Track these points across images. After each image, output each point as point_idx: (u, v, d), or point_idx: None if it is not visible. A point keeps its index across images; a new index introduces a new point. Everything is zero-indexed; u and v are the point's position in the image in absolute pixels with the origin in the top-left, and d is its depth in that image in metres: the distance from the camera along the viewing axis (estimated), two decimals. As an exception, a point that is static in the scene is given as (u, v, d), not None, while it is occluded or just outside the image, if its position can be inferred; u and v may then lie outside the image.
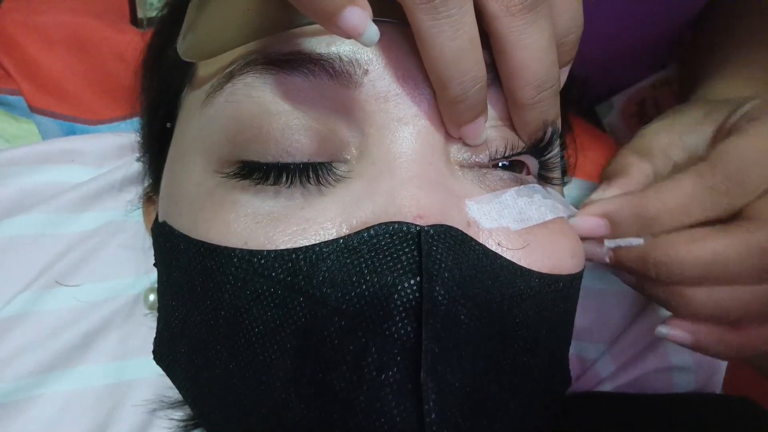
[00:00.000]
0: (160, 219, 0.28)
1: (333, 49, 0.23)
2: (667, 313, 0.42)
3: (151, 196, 0.37)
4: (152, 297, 0.36)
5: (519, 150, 0.26)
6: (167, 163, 0.29)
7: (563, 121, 0.35)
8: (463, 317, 0.21)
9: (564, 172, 0.36)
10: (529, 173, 0.28)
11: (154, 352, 0.29)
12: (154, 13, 0.44)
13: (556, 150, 0.28)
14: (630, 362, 0.43)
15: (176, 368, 0.27)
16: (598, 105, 0.59)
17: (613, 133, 0.59)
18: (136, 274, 0.40)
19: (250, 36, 0.23)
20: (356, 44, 0.23)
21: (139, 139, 0.36)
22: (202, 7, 0.25)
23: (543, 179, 0.28)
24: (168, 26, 0.32)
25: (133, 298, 0.40)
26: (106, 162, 0.42)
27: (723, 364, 0.44)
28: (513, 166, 0.27)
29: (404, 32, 0.23)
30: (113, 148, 0.43)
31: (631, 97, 0.58)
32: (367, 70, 0.23)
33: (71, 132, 0.43)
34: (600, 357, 0.44)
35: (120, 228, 0.41)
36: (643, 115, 0.57)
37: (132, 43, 0.44)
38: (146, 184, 0.38)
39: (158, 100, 0.31)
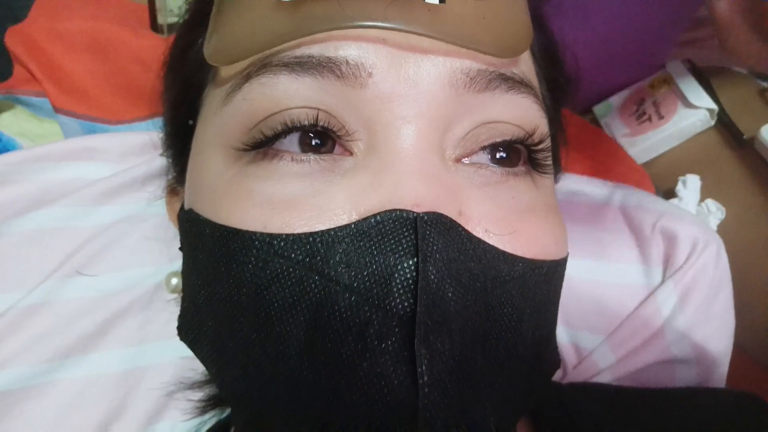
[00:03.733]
0: (186, 207, 0.30)
1: (341, 53, 0.25)
2: (668, 305, 0.43)
3: (175, 187, 0.39)
4: (175, 281, 0.37)
5: (508, 138, 0.28)
6: (191, 157, 0.31)
7: (555, 120, 0.36)
8: (450, 294, 0.23)
9: (556, 171, 0.37)
10: (523, 164, 0.29)
11: (178, 328, 0.30)
12: (174, 20, 0.46)
13: (546, 142, 0.29)
14: (630, 354, 0.43)
15: (202, 341, 0.29)
16: (596, 105, 0.61)
17: (611, 132, 0.60)
18: (158, 263, 0.42)
19: (268, 44, 0.25)
20: (362, 49, 0.25)
21: (162, 135, 0.38)
22: (223, 15, 0.28)
23: (535, 166, 0.29)
24: (190, 30, 0.34)
25: (153, 286, 0.41)
26: (127, 159, 0.44)
27: (726, 358, 0.45)
28: (508, 157, 0.28)
29: (406, 38, 0.25)
30: (133, 146, 0.45)
31: (629, 97, 0.60)
32: (371, 73, 0.25)
33: (92, 131, 0.45)
34: (597, 347, 0.45)
35: (141, 220, 0.43)
36: (642, 114, 0.59)
37: (151, 48, 0.46)
38: (170, 177, 0.39)
39: (181, 99, 0.33)
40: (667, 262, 0.46)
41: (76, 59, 0.45)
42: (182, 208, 0.31)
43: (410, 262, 0.22)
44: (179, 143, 0.34)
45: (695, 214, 0.54)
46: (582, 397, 0.40)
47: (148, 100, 0.44)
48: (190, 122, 0.32)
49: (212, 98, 0.30)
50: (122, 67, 0.46)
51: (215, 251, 0.27)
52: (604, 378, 0.44)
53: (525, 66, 0.29)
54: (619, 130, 0.60)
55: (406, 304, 0.22)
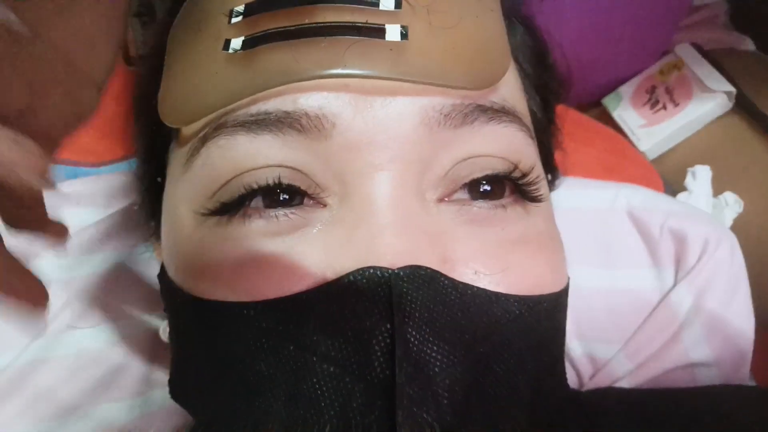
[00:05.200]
0: (164, 266, 0.29)
1: (299, 106, 0.24)
2: (683, 308, 0.41)
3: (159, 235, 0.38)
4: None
5: (490, 173, 0.26)
6: (162, 216, 0.30)
7: (548, 126, 0.34)
8: (435, 354, 0.21)
9: (554, 177, 0.36)
10: (511, 194, 0.27)
11: (170, 392, 0.30)
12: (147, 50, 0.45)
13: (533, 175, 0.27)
14: (648, 361, 0.42)
15: (194, 406, 0.29)
16: (605, 97, 0.58)
17: (625, 125, 0.57)
18: (157, 309, 0.41)
19: (222, 102, 0.24)
20: (323, 98, 0.24)
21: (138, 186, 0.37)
22: (174, 73, 0.26)
23: (524, 196, 0.27)
24: (149, 79, 0.32)
25: (156, 333, 0.40)
26: (114, 202, 0.44)
27: (747, 357, 0.42)
28: (493, 190, 0.26)
29: (371, 80, 0.24)
30: (119, 188, 0.44)
31: (639, 86, 0.56)
32: (334, 123, 0.24)
33: (74, 176, 0.44)
34: (614, 356, 0.43)
35: (135, 264, 0.42)
36: (656, 103, 0.55)
37: (127, 83, 0.45)
38: (153, 224, 0.39)
39: (148, 155, 0.32)
40: (678, 263, 0.44)
41: (54, 103, 0.44)
42: (162, 266, 0.30)
43: (388, 326, 0.21)
44: (152, 198, 0.33)
45: (711, 206, 0.51)
46: (601, 401, 0.38)
47: (129, 139, 0.43)
48: (159, 179, 0.30)
49: (175, 158, 0.28)
50: (100, 107, 0.45)
51: (189, 321, 0.26)
52: (622, 385, 0.42)
53: (506, 88, 0.27)
54: (634, 122, 0.56)
55: (387, 372, 0.21)
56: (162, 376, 0.40)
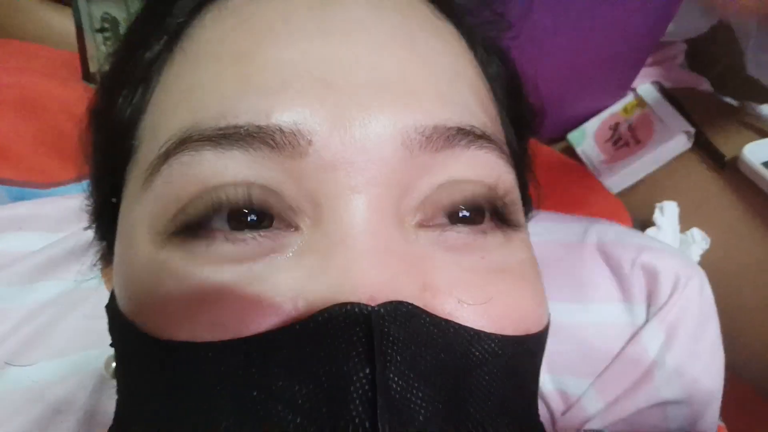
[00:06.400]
0: (116, 295, 0.27)
1: (273, 120, 0.22)
2: (654, 345, 0.41)
3: (109, 259, 0.35)
4: (114, 365, 0.34)
5: (473, 203, 0.25)
6: (117, 241, 0.27)
7: (522, 158, 0.34)
8: (419, 401, 0.20)
9: (527, 210, 0.35)
10: (490, 220, 0.26)
11: None
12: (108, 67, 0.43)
13: (512, 196, 0.27)
14: (620, 399, 0.41)
15: None
16: (570, 132, 0.59)
17: (588, 160, 0.58)
18: (103, 345, 0.37)
19: None
20: (298, 114, 0.22)
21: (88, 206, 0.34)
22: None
23: (503, 221, 0.27)
24: (111, 87, 0.30)
25: (99, 371, 0.37)
26: (64, 226, 0.40)
27: (717, 394, 0.42)
28: (471, 217, 0.25)
29: (350, 96, 0.23)
30: (69, 211, 0.41)
31: (603, 122, 0.58)
32: (311, 141, 0.22)
33: (21, 198, 0.41)
34: (585, 392, 0.42)
35: (83, 296, 0.38)
36: (618, 139, 0.57)
37: (83, 100, 0.42)
38: (103, 246, 0.36)
39: (102, 174, 0.30)
40: (650, 298, 0.44)
41: (0, 119, 0.41)
42: (112, 294, 0.27)
43: (367, 371, 0.19)
44: (104, 220, 0.30)
45: (677, 241, 0.52)
46: None
47: (83, 159, 0.41)
48: (114, 200, 0.28)
49: (133, 179, 0.26)
50: (52, 124, 0.42)
51: (140, 360, 0.23)
52: (595, 424, 0.41)
53: (486, 115, 0.27)
54: (597, 158, 0.58)
55: (367, 424, 0.19)
56: (104, 419, 0.36)
